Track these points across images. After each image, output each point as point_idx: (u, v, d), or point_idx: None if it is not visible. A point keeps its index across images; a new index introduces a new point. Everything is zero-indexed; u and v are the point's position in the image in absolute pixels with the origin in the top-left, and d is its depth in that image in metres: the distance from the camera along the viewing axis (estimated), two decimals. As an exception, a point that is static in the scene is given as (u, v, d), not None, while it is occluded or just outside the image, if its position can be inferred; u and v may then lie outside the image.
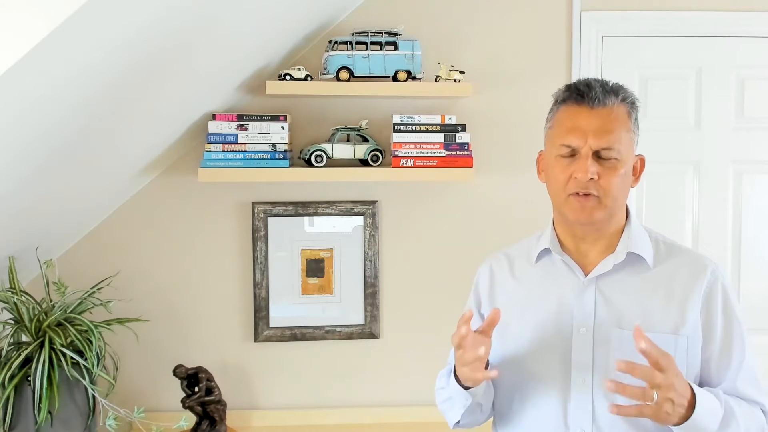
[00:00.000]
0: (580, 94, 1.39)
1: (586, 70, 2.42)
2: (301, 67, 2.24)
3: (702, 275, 1.42)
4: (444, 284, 2.44)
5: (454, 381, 1.43)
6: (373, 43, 2.25)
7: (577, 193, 1.37)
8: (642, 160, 1.46)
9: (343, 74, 2.23)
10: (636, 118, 1.42)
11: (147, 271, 2.40)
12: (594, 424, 1.39)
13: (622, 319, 1.40)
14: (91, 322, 2.04)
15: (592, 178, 1.35)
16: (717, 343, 1.40)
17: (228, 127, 2.23)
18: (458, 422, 1.49)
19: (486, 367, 1.41)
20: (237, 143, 2.23)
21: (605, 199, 1.37)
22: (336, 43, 2.23)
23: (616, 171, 1.37)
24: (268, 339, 2.43)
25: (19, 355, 1.95)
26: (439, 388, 1.55)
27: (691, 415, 1.27)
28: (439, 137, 2.26)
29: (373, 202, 2.43)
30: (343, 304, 2.45)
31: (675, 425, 1.29)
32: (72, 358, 1.96)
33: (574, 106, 1.39)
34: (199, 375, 2.23)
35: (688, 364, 1.39)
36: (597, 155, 1.36)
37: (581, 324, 1.42)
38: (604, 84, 1.40)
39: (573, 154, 1.38)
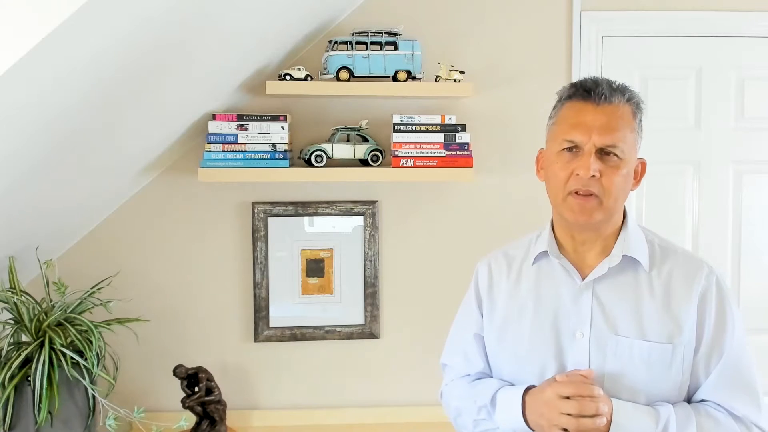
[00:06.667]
0: (587, 90, 1.37)
1: (586, 70, 2.42)
2: (301, 67, 2.24)
3: (697, 279, 1.41)
4: (444, 284, 2.44)
5: (521, 419, 1.39)
6: (373, 43, 2.25)
7: (577, 193, 1.36)
8: (643, 164, 1.45)
9: (343, 74, 2.23)
10: (640, 120, 1.41)
11: (147, 271, 2.40)
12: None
13: (618, 325, 1.39)
14: (91, 322, 2.04)
15: (593, 176, 1.33)
16: (706, 346, 1.39)
17: (228, 127, 2.23)
18: None
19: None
20: (237, 143, 2.23)
21: (606, 200, 1.35)
22: (336, 43, 2.23)
23: (618, 170, 1.35)
24: (268, 339, 2.43)
25: (19, 355, 1.95)
26: (478, 419, 1.48)
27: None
28: (439, 137, 2.26)
29: (373, 202, 2.43)
30: (343, 304, 2.45)
31: None
32: (72, 358, 1.96)
33: (580, 103, 1.38)
34: (199, 375, 2.23)
35: (683, 371, 1.38)
36: (600, 153, 1.35)
37: (578, 329, 1.41)
38: (610, 82, 1.39)
39: (575, 150, 1.37)
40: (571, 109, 1.39)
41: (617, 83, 1.40)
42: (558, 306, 1.44)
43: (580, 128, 1.36)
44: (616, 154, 1.35)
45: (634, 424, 1.32)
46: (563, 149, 1.38)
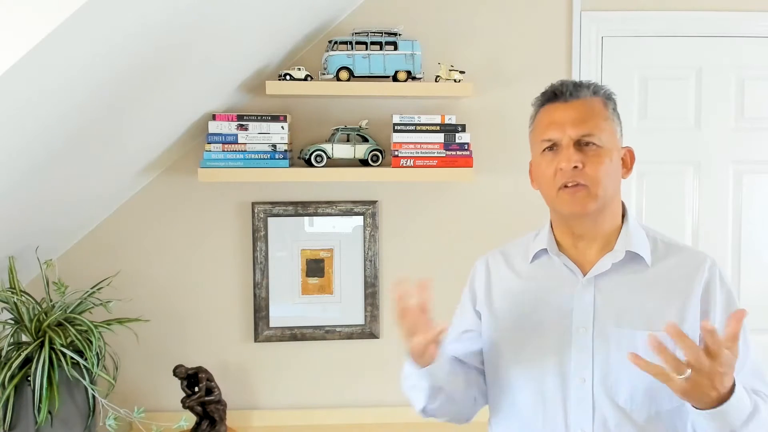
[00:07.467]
0: (554, 92, 1.44)
1: (586, 70, 2.42)
2: (301, 67, 2.24)
3: (699, 272, 1.42)
4: (444, 284, 2.40)
5: (411, 362, 1.42)
6: (373, 43, 2.25)
7: (566, 186, 1.39)
8: (630, 152, 1.48)
9: (343, 74, 2.23)
10: (614, 109, 1.45)
11: (147, 271, 2.40)
12: (594, 423, 1.39)
13: (621, 318, 1.40)
14: (91, 322, 2.04)
15: (576, 167, 1.37)
16: None
17: (228, 127, 2.23)
18: (424, 408, 1.48)
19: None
20: (237, 143, 2.23)
21: (594, 188, 1.38)
22: (336, 43, 2.23)
23: (600, 158, 1.38)
24: (268, 339, 2.43)
25: (19, 355, 1.95)
26: (405, 376, 1.50)
27: (720, 405, 1.23)
28: (439, 137, 2.26)
29: (373, 202, 2.43)
30: (343, 304, 2.45)
31: (701, 408, 1.24)
32: (72, 358, 1.96)
33: (550, 105, 1.44)
34: (199, 375, 2.23)
35: None
36: (578, 145, 1.39)
37: (580, 324, 1.42)
38: (576, 82, 1.45)
39: (555, 148, 1.41)
40: (544, 113, 1.45)
41: (584, 81, 1.46)
42: (560, 303, 1.45)
43: (553, 126, 1.41)
44: (593, 143, 1.39)
45: (741, 399, 1.27)
46: (544, 150, 1.43)
